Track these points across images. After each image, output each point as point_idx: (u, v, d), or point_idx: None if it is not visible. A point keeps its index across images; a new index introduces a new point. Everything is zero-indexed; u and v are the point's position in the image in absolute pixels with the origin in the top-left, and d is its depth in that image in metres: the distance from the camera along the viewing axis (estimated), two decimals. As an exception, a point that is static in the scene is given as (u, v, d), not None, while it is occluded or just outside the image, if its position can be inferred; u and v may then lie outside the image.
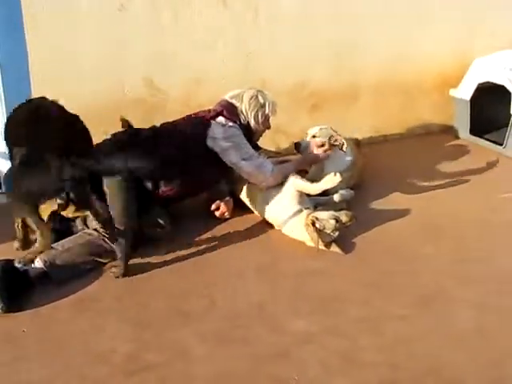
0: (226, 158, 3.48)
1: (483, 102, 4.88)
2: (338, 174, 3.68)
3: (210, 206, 3.66)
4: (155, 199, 3.43)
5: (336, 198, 3.67)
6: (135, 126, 3.46)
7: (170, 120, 3.62)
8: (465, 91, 5.00)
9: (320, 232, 3.27)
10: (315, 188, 3.51)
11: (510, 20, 5.25)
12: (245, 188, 3.73)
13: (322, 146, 3.78)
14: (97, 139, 3.48)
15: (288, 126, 4.54)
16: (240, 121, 3.57)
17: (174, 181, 3.39)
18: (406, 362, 2.52)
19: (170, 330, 2.71)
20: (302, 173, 3.80)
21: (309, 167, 3.94)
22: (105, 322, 2.74)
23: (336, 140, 3.80)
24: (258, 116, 3.61)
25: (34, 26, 3.70)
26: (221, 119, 3.48)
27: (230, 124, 3.49)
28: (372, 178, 4.24)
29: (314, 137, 3.83)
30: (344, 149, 3.82)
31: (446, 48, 5.12)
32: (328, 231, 3.30)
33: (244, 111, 3.59)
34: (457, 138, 5.21)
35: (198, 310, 2.84)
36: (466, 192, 4.14)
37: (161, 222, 3.42)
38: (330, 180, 3.56)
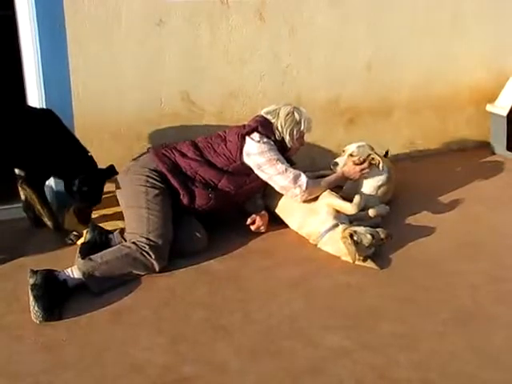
0: (261, 173, 3.53)
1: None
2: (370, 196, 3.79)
3: (246, 219, 3.67)
4: (191, 212, 3.48)
5: (371, 213, 3.69)
6: (171, 140, 3.61)
7: (206, 134, 3.70)
8: (502, 107, 4.96)
9: (357, 245, 3.27)
10: (347, 209, 3.54)
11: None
12: (280, 202, 3.75)
13: (360, 163, 3.79)
14: (135, 153, 3.56)
15: (324, 140, 4.60)
16: (275, 137, 3.61)
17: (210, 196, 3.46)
18: (441, 380, 2.50)
19: (205, 342, 2.71)
20: (337, 188, 3.85)
21: (344, 182, 3.95)
22: (141, 334, 2.76)
23: (373, 159, 3.82)
24: (293, 133, 3.64)
25: (76, 41, 3.78)
26: (255, 135, 3.52)
27: (265, 140, 3.53)
28: (407, 194, 4.24)
29: (351, 155, 3.84)
30: (381, 167, 3.83)
31: (481, 63, 5.10)
32: (365, 245, 3.29)
33: (279, 127, 3.62)
34: (493, 153, 5.16)
35: (233, 324, 2.83)
36: (503, 209, 4.11)
37: (197, 234, 3.46)
38: (359, 203, 3.59)
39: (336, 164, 3.83)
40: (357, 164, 3.79)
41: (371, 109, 4.77)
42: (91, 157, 3.49)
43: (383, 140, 4.50)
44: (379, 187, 3.91)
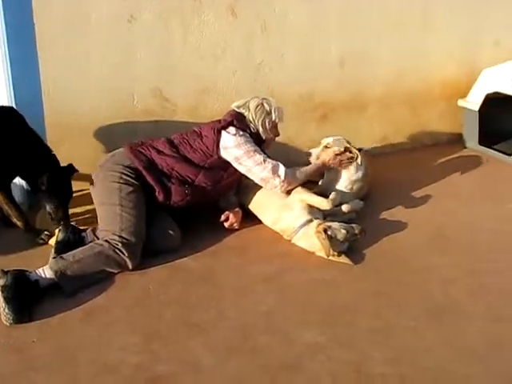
0: (239, 166, 3.54)
1: (492, 113, 4.88)
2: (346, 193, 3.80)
3: (219, 216, 3.65)
4: (165, 209, 3.47)
5: (345, 208, 3.69)
6: (144, 137, 3.57)
7: (180, 131, 3.68)
8: (473, 102, 4.99)
9: (331, 240, 3.28)
10: (322, 204, 3.55)
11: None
12: (254, 199, 3.74)
13: (339, 155, 3.82)
14: (108, 151, 3.58)
15: (297, 137, 4.59)
16: (250, 129, 3.63)
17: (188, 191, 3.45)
18: (415, 375, 2.49)
19: (178, 341, 2.68)
20: (312, 183, 3.87)
21: (319, 177, 3.98)
22: (114, 333, 2.73)
23: (351, 152, 3.84)
24: (265, 123, 3.65)
25: (45, 38, 3.70)
26: (231, 129, 3.53)
27: (241, 133, 3.54)
28: (381, 189, 4.24)
29: (326, 147, 3.85)
30: (359, 161, 3.84)
31: (452, 58, 5.13)
32: (339, 240, 3.30)
33: (252, 120, 3.63)
34: (465, 148, 5.21)
35: (207, 321, 2.82)
36: (475, 202, 4.13)
37: (170, 232, 3.43)
38: (336, 199, 3.61)
39: (309, 154, 3.85)
40: (337, 155, 3.81)
41: (344, 104, 4.77)
42: (54, 155, 3.42)
43: (357, 135, 4.47)
44: (354, 182, 3.92)
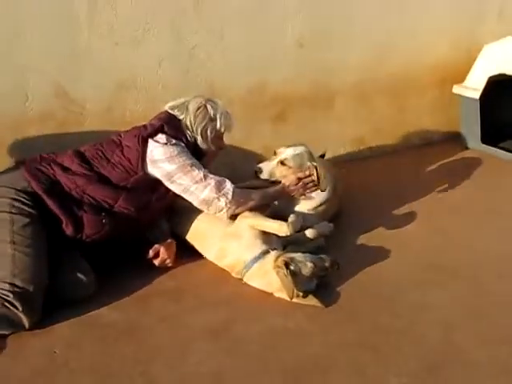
0: (173, 185, 3.52)
1: (496, 101, 4.96)
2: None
3: (147, 251, 3.62)
4: (76, 246, 3.42)
5: (310, 234, 3.72)
6: (41, 151, 3.53)
7: (91, 141, 3.64)
8: (473, 87, 5.05)
9: (295, 277, 3.27)
10: (279, 230, 3.53)
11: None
12: (192, 226, 3.73)
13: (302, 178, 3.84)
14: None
15: (246, 142, 4.62)
16: (186, 138, 3.63)
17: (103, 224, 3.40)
18: None
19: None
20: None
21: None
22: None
23: (316, 173, 3.83)
24: (206, 132, 3.67)
25: None
26: (161, 136, 3.51)
27: (174, 141, 3.53)
28: (356, 205, 4.29)
29: (282, 163, 3.88)
30: (323, 187, 3.85)
31: (444, 36, 5.23)
32: (305, 276, 3.31)
33: (189, 125, 3.64)
34: (465, 148, 5.30)
35: (132, 394, 2.72)
36: (479, 219, 4.18)
37: (81, 276, 3.38)
38: (297, 222, 3.58)
39: (260, 171, 3.85)
40: (300, 178, 3.82)
41: (306, 98, 4.83)
42: None
43: (324, 138, 4.56)
44: (320, 203, 3.96)
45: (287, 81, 4.72)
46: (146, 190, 3.53)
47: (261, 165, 3.89)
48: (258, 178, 3.87)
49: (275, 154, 3.92)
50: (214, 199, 3.52)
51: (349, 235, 3.95)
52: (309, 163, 3.87)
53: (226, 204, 3.54)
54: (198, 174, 3.51)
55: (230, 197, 3.53)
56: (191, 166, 3.50)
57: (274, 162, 3.88)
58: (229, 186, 3.54)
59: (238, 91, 4.54)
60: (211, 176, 3.53)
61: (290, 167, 3.85)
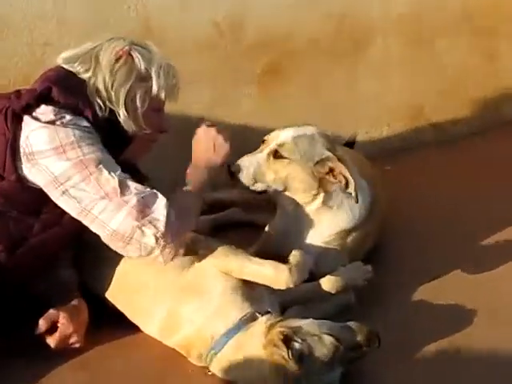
0: (62, 198, 2.61)
1: None
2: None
3: (36, 323, 2.87)
4: None
5: (329, 284, 2.86)
6: None
7: None
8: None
9: (302, 361, 2.46)
10: (275, 278, 2.70)
11: None
12: (118, 275, 2.92)
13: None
14: None
15: (215, 115, 3.73)
16: (94, 112, 2.74)
17: None
18: None
19: None
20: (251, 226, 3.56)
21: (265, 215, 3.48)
22: None
23: (335, 172, 2.98)
24: (135, 101, 2.78)
25: None
26: (45, 110, 2.61)
27: (68, 118, 2.61)
28: (412, 227, 3.55)
29: (276, 154, 2.95)
30: (350, 189, 2.97)
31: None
32: (322, 360, 2.47)
33: (102, 90, 2.75)
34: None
35: None
36: None
37: None
38: (305, 264, 2.72)
39: (237, 169, 3.00)
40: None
41: (318, 41, 4.01)
42: None
43: (350, 110, 3.98)
44: (348, 232, 3.10)
45: (283, 9, 3.89)
46: (24, 212, 2.65)
47: (240, 160, 3.00)
48: (234, 181, 3.01)
49: (264, 142, 3.09)
50: (134, 231, 2.54)
51: (401, 283, 3.10)
52: (325, 152, 2.89)
53: (156, 240, 2.56)
54: (110, 180, 2.55)
55: (161, 226, 2.56)
56: (97, 165, 2.57)
57: (263, 153, 2.95)
58: (161, 204, 2.59)
59: (193, 30, 3.73)
60: (133, 186, 2.59)
61: (289, 160, 2.89)
